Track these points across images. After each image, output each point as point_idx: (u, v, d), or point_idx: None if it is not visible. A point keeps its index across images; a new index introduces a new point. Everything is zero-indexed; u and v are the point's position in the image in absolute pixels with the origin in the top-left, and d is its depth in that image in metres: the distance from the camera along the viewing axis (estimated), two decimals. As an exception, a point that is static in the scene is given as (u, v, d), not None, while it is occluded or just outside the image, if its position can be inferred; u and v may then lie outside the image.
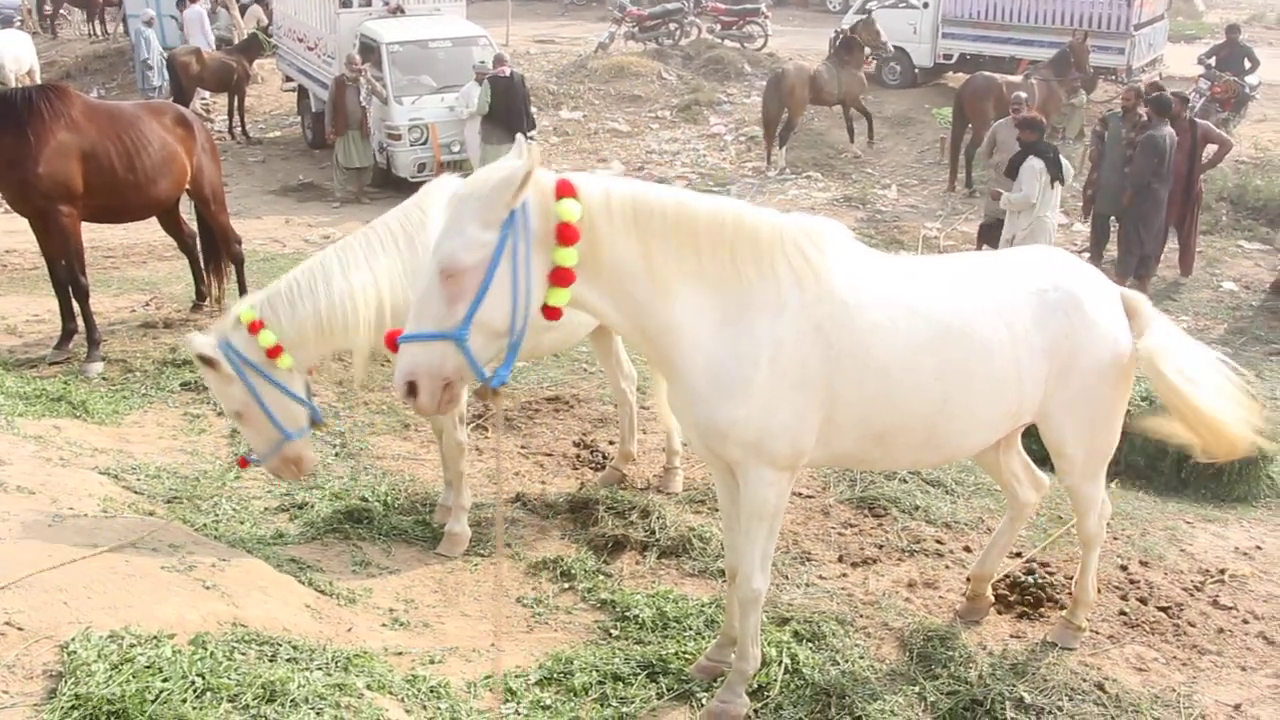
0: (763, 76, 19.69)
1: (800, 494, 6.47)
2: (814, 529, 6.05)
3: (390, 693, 3.92)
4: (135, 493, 5.60)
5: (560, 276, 3.42)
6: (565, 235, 3.36)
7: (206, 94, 19.87)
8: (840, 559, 5.69)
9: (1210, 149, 11.88)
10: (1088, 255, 11.44)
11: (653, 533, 5.68)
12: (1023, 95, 11.90)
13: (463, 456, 5.66)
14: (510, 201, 3.30)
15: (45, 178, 7.56)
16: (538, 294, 3.42)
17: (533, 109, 15.17)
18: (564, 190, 3.38)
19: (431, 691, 4.05)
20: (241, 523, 5.63)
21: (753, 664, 4.29)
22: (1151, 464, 7.56)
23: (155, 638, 3.63)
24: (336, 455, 6.75)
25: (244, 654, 3.79)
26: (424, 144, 15.08)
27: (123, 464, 6.03)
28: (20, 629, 3.59)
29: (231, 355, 4.76)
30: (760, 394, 3.71)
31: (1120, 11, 17.39)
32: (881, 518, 6.18)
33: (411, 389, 3.40)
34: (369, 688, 3.83)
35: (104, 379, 7.76)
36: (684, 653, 4.62)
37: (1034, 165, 9.96)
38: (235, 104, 18.70)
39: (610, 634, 4.84)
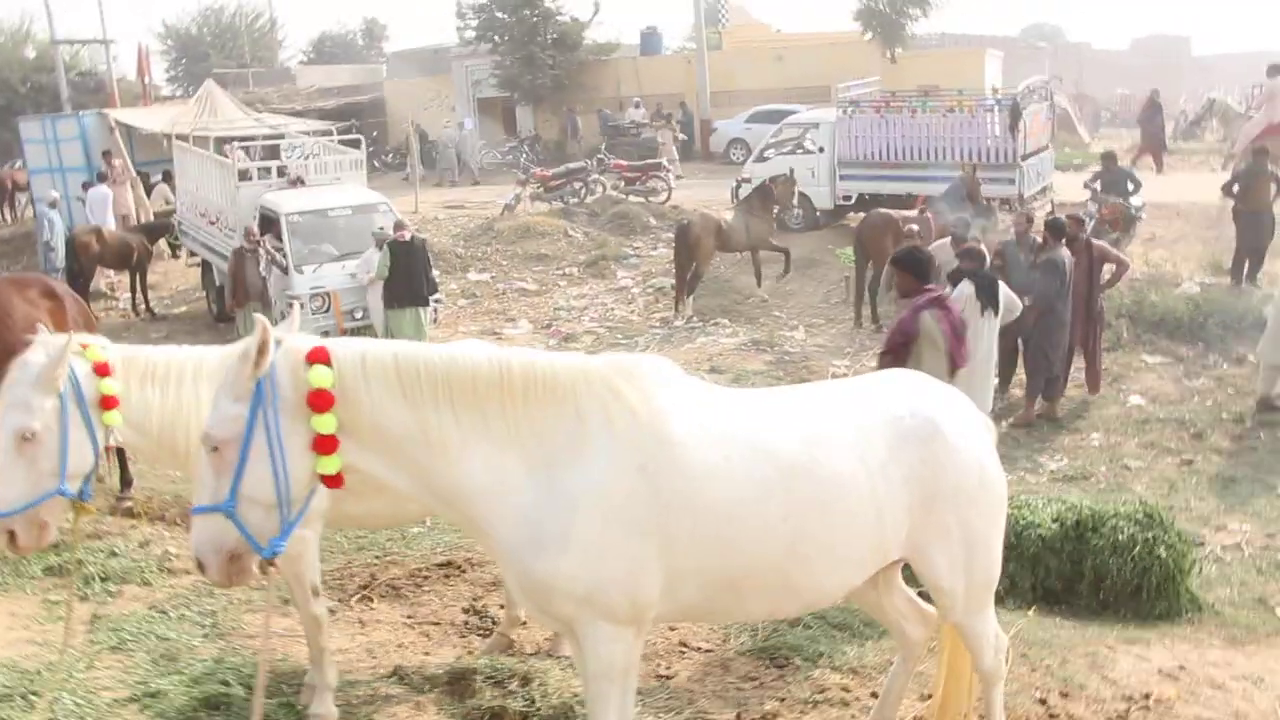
0: (668, 229, 20.08)
1: (699, 648, 6.13)
2: (711, 685, 5.68)
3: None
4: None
5: (323, 444, 3.27)
6: (317, 402, 3.24)
7: (110, 272, 19.62)
8: (738, 717, 5.31)
9: (1109, 268, 12.15)
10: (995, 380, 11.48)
11: (532, 702, 5.26)
12: (915, 227, 12.15)
13: (320, 631, 5.25)
14: (253, 373, 3.21)
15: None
16: (301, 463, 3.27)
17: (436, 272, 15.20)
18: (315, 357, 3.28)
19: None
20: (84, 719, 5.10)
21: None
22: (1069, 586, 7.38)
23: None
24: (205, 636, 6.26)
25: None
26: (326, 311, 14.97)
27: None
28: None
29: (70, 373, 4.46)
30: (581, 542, 3.44)
31: (1006, 144, 18.11)
32: (784, 668, 5.83)
33: (200, 563, 3.29)
34: None
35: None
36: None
37: (963, 289, 9.27)
38: (137, 281, 18.47)
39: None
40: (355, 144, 18.56)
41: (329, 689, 5.24)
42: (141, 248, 18.29)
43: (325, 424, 3.22)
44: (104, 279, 18.84)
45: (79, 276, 17.16)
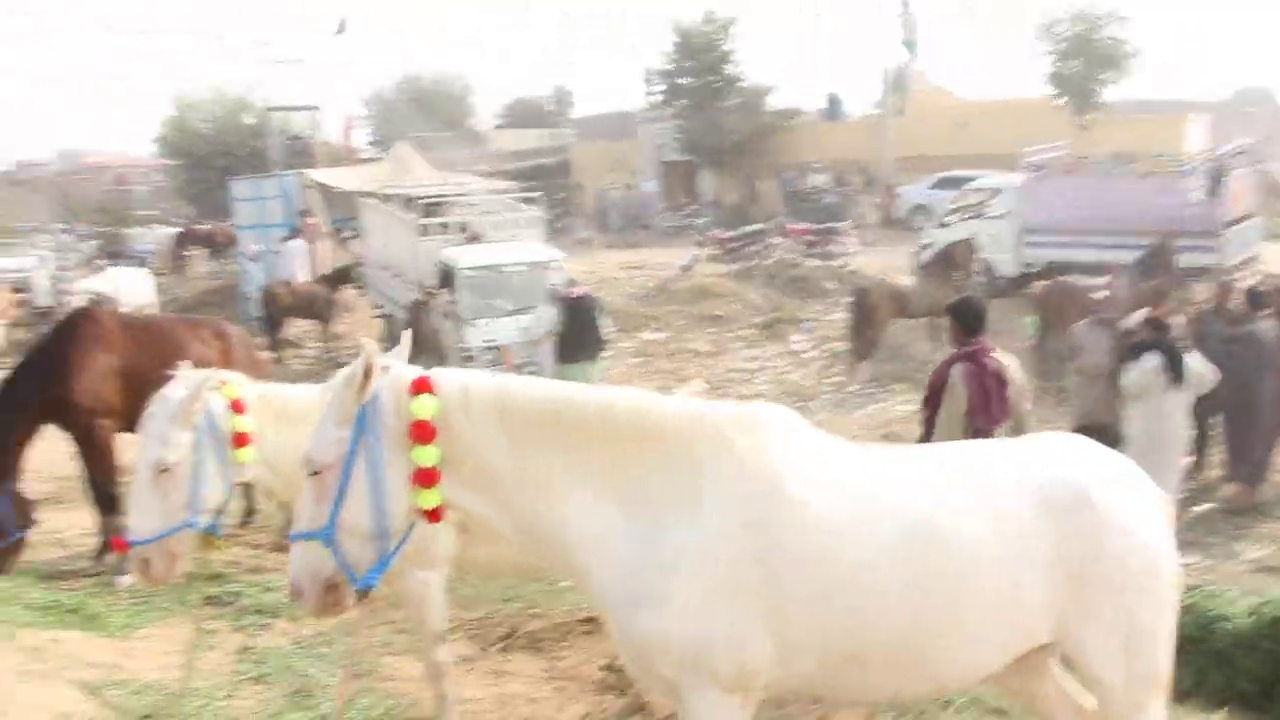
0: (846, 293, 19.70)
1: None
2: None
3: None
4: (110, 707, 5.25)
5: (423, 477, 3.21)
6: (419, 433, 3.18)
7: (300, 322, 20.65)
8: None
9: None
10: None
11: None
12: (1105, 293, 11.49)
13: (444, 677, 5.20)
14: (356, 398, 3.18)
15: (85, 394, 7.71)
16: (400, 495, 3.22)
17: (607, 329, 15.32)
18: (419, 387, 3.22)
19: None
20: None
21: None
22: (1266, 690, 6.62)
23: None
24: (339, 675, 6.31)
25: None
26: (498, 365, 15.25)
27: (109, 679, 5.71)
28: None
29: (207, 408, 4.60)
30: (682, 601, 3.24)
31: (1207, 210, 17.01)
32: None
33: (296, 590, 3.26)
34: None
35: (130, 591, 7.55)
36: None
37: (1146, 360, 8.94)
38: (325, 330, 19.38)
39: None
40: (533, 202, 19.04)
41: (453, 734, 5.17)
42: (327, 298, 19.19)
43: (426, 456, 3.17)
44: (294, 328, 19.80)
45: (271, 325, 18.15)
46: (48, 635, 6.25)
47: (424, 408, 3.17)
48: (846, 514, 3.35)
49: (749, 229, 24.30)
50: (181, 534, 4.55)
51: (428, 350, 15.11)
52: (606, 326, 14.87)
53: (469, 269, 15.71)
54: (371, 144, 41.42)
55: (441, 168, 27.40)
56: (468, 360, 15.15)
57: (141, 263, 31.18)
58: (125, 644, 6.56)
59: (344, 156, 32.46)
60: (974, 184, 21.59)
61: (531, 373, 15.11)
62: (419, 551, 4.88)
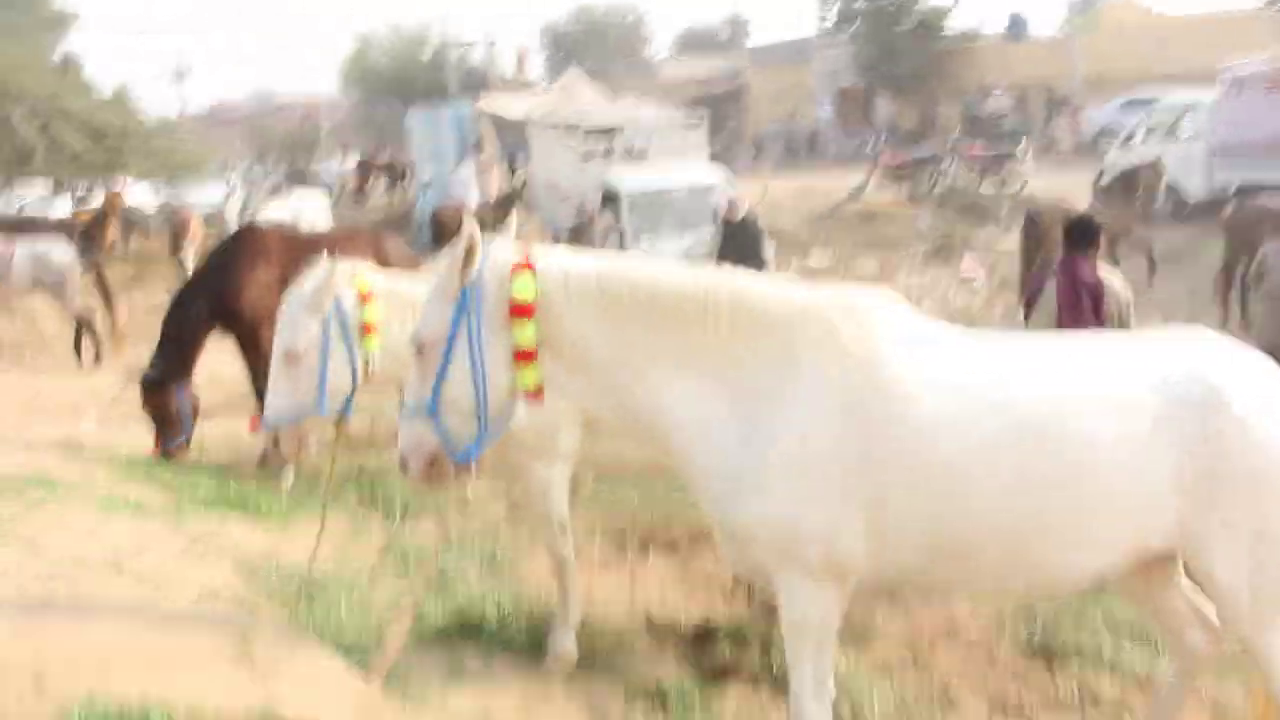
0: (1019, 219, 18.87)
1: (966, 636, 5.67)
2: (972, 675, 5.22)
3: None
4: (258, 588, 5.64)
5: (522, 357, 3.25)
6: (518, 313, 3.21)
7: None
8: (991, 712, 4.85)
9: None
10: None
11: (769, 665, 5.09)
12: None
13: (567, 571, 5.34)
14: (460, 278, 3.24)
15: (249, 304, 8.21)
16: (499, 373, 3.28)
17: (769, 252, 15.18)
18: (521, 268, 3.25)
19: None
20: (352, 624, 5.51)
21: None
22: None
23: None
24: (478, 572, 6.58)
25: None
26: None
27: (262, 563, 6.12)
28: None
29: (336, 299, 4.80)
30: (781, 490, 3.23)
31: None
32: (1058, 669, 5.27)
33: (403, 463, 3.39)
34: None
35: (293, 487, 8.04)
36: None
37: None
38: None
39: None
40: (700, 127, 18.97)
41: (570, 628, 5.33)
42: (494, 223, 19.65)
43: (526, 336, 3.21)
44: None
45: (441, 248, 18.73)
46: (213, 523, 6.73)
47: (524, 288, 3.22)
48: (953, 405, 3.25)
49: (922, 152, 23.50)
50: (309, 418, 4.78)
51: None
52: (768, 249, 14.75)
53: (633, 192, 15.83)
54: (545, 74, 41.85)
55: (612, 96, 27.53)
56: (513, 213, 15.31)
57: (324, 190, 32.83)
58: (282, 533, 7.00)
59: (518, 87, 32.96)
60: (1164, 102, 20.18)
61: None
62: (541, 446, 5.03)
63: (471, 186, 21.50)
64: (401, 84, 40.14)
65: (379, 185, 32.42)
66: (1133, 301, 6.79)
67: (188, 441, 8.12)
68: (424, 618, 5.71)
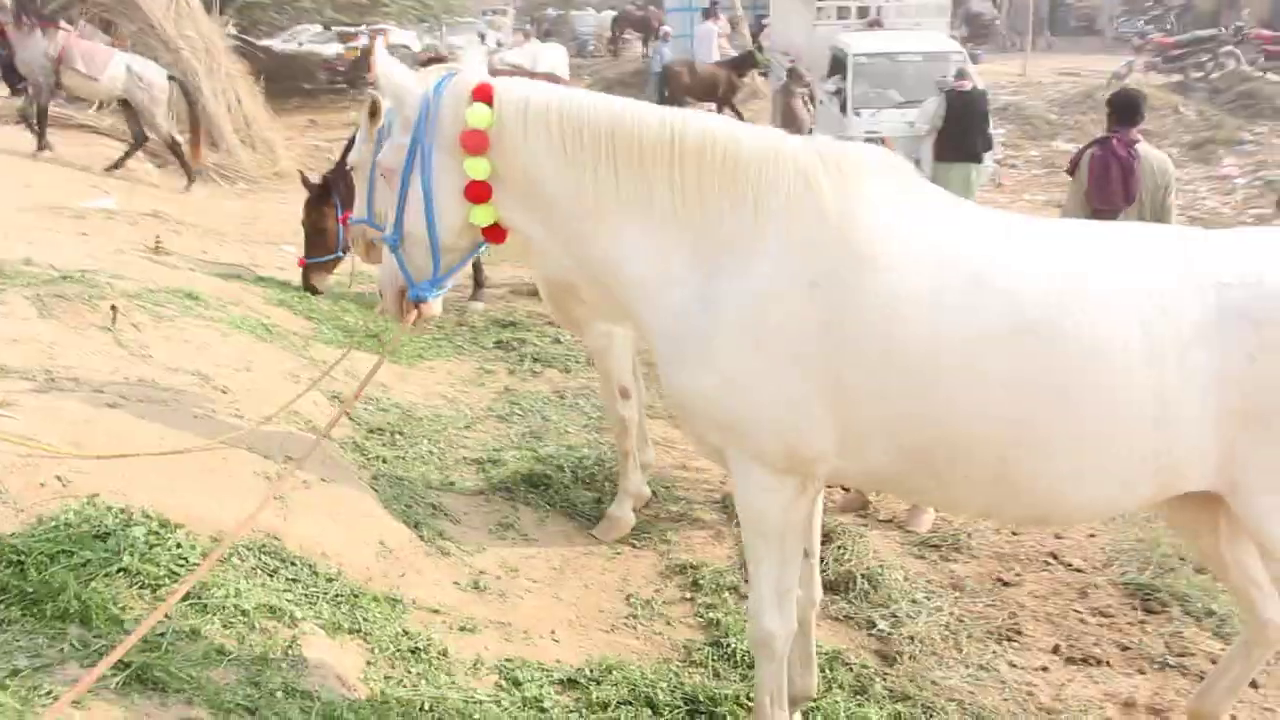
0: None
1: (1068, 564, 5.12)
2: (1052, 608, 4.72)
3: (363, 637, 3.59)
4: (348, 417, 5.80)
5: (474, 191, 2.95)
6: (469, 143, 2.91)
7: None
8: (1056, 650, 4.36)
9: None
10: None
11: (820, 560, 4.76)
12: None
13: (628, 434, 5.17)
14: (414, 101, 2.96)
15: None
16: (452, 207, 2.99)
17: (1000, 131, 13.98)
18: (479, 95, 2.92)
19: (413, 652, 3.65)
20: (424, 464, 5.60)
21: None
22: None
23: (158, 521, 3.63)
24: (584, 426, 6.53)
25: (239, 562, 3.69)
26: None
27: (366, 395, 6.28)
28: (62, 485, 3.76)
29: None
30: (727, 361, 2.83)
31: None
32: (1154, 614, 4.68)
33: (380, 293, 3.29)
34: (335, 627, 3.54)
35: (439, 327, 8.19)
36: (746, 698, 3.76)
37: None
38: (721, 110, 19.42)
39: (691, 657, 4.10)
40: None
41: (628, 495, 5.20)
42: (728, 80, 19.14)
43: (477, 168, 2.92)
44: (691, 107, 20.09)
45: (669, 103, 18.47)
46: (335, 354, 6.95)
47: (478, 116, 2.90)
48: (937, 284, 2.75)
49: (1199, 33, 20.77)
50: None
51: (791, 131, 14.67)
52: (995, 127, 13.56)
53: (860, 55, 14.86)
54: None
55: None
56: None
57: (582, 44, 32.96)
58: (407, 370, 7.20)
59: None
60: None
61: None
62: (603, 305, 4.81)
63: (710, 44, 20.94)
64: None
65: (634, 39, 32.20)
66: (1175, 176, 6.79)
67: (333, 264, 8.10)
68: (497, 465, 5.74)
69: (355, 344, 6.19)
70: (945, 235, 2.83)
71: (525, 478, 5.51)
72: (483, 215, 3.00)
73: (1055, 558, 5.22)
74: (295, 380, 5.87)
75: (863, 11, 16.46)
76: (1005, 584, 4.96)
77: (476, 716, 3.42)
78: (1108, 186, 6.54)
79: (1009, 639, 4.45)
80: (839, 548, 4.88)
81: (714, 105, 19.70)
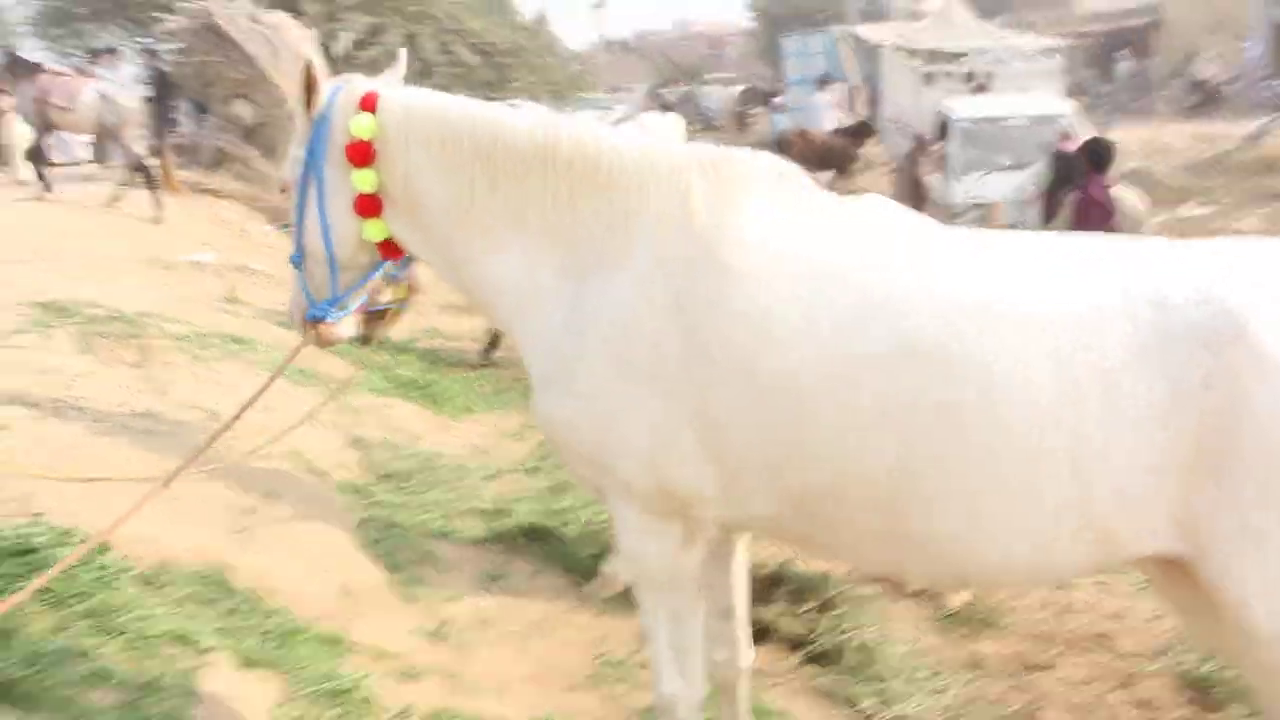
0: None
1: (1116, 649, 4.58)
2: (1083, 696, 4.21)
3: (283, 674, 3.42)
4: (366, 461, 5.74)
5: (362, 204, 2.82)
6: (354, 154, 2.79)
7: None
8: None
9: None
10: None
11: (813, 630, 4.39)
12: None
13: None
14: (306, 114, 2.86)
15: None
16: (344, 222, 2.87)
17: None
18: (365, 104, 2.80)
19: (334, 694, 3.45)
20: (428, 512, 5.45)
21: None
22: None
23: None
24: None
25: (173, 590, 3.60)
26: (985, 224, 14.05)
27: (390, 440, 6.23)
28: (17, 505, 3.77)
29: None
30: (589, 385, 2.58)
31: None
32: (1208, 712, 4.12)
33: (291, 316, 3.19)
34: (251, 661, 3.38)
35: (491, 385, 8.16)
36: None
37: None
38: (836, 180, 19.16)
39: (645, 721, 3.80)
40: (1054, 57, 17.01)
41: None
42: (844, 150, 18.87)
43: (363, 180, 2.80)
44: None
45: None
46: (383, 401, 6.94)
47: (362, 127, 2.79)
48: (813, 300, 2.43)
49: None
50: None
51: (916, 202, 14.34)
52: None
53: (964, 119, 14.51)
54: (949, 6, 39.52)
55: (1011, 26, 25.44)
56: (953, 217, 14.13)
57: (709, 119, 33.31)
58: (450, 422, 7.12)
59: (918, 18, 31.30)
60: None
61: (1019, 236, 13.73)
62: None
63: (824, 112, 20.76)
64: (804, 12, 39.56)
65: (761, 113, 32.33)
66: (1144, 219, 7.46)
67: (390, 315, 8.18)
68: (510, 515, 5.56)
69: (333, 394, 6.04)
70: (831, 249, 2.51)
71: (527, 530, 5.30)
72: (375, 230, 2.87)
73: (1105, 640, 4.70)
74: (313, 423, 5.83)
75: (969, 76, 16.07)
76: (1035, 667, 4.48)
77: (382, 767, 3.20)
78: (1089, 226, 6.85)
79: (1024, 727, 3.99)
80: (837, 615, 4.49)
81: (832, 174, 19.51)
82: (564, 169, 2.68)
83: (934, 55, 17.14)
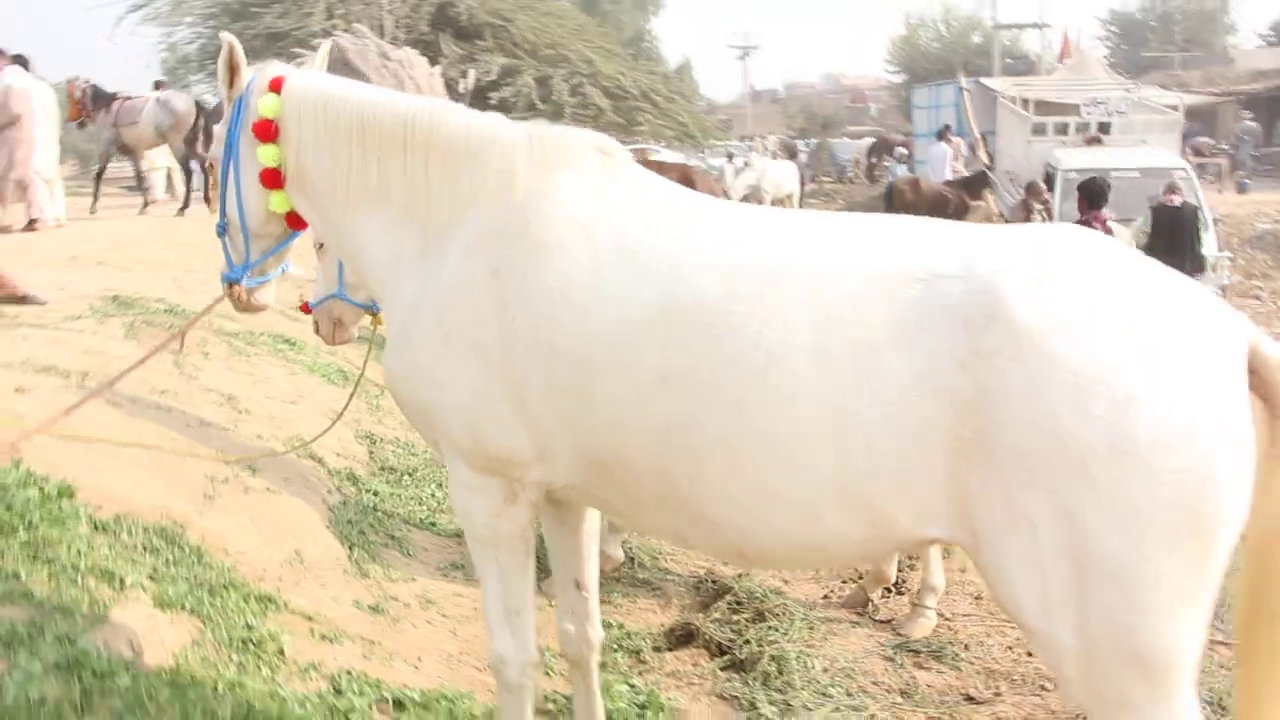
0: None
1: (1058, 694, 4.50)
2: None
3: (201, 619, 3.70)
4: (372, 456, 6.07)
5: (267, 178, 3.13)
6: (259, 131, 3.09)
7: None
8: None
9: None
10: None
11: (739, 639, 4.45)
12: None
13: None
14: (228, 94, 3.17)
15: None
16: (254, 194, 3.17)
17: (1210, 248, 12.87)
18: (273, 85, 3.10)
19: (247, 643, 3.71)
20: (418, 505, 5.73)
21: None
22: None
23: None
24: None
25: (127, 538, 3.94)
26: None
27: (402, 439, 6.55)
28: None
29: None
30: (422, 350, 2.82)
31: None
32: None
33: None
34: (168, 603, 3.67)
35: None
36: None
37: None
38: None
39: (543, 707, 3.94)
40: (1174, 115, 16.47)
41: (620, 533, 5.16)
42: (958, 200, 18.70)
43: (267, 155, 3.10)
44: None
45: (893, 215, 18.38)
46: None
47: (267, 105, 3.10)
48: (605, 269, 2.61)
49: None
50: (340, 304, 4.85)
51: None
52: (1210, 245, 12.48)
53: (1070, 171, 14.25)
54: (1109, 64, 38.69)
55: (1161, 83, 24.74)
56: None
57: (841, 170, 33.28)
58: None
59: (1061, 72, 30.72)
60: None
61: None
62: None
63: (944, 163, 20.59)
64: (947, 67, 39.28)
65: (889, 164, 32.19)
66: (1139, 246, 8.18)
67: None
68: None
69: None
70: (634, 223, 2.69)
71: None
72: (279, 202, 3.18)
73: (1053, 683, 4.60)
74: (350, 424, 6.23)
75: (1082, 127, 15.73)
76: (971, 699, 4.43)
77: (266, 709, 3.44)
78: None
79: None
80: (769, 627, 4.55)
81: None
82: (421, 150, 2.93)
83: (1046, 106, 16.80)
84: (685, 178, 9.11)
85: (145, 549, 3.96)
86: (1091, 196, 9.26)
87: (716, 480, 2.52)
